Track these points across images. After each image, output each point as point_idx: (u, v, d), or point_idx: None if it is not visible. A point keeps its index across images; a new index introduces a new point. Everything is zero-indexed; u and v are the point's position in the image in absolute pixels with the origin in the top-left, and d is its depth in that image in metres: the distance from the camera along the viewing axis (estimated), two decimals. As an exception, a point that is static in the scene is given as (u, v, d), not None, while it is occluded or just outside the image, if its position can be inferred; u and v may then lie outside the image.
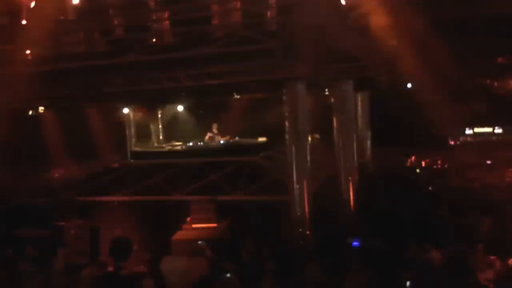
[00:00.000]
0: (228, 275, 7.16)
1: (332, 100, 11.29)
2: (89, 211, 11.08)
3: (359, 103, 14.09)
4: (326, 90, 12.40)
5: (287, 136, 9.62)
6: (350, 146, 10.83)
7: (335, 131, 10.61)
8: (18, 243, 9.66)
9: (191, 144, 14.17)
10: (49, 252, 9.07)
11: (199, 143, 14.17)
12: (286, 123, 9.49)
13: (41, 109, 14.16)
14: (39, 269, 8.13)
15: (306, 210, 9.48)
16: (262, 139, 14.20)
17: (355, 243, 8.15)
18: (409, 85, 15.22)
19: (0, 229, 10.92)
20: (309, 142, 10.17)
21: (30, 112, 17.37)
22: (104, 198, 11.56)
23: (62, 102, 14.03)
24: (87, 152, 18.51)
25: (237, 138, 14.83)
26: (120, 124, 16.09)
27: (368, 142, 15.27)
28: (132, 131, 15.76)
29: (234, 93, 13.00)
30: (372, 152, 15.31)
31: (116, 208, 11.22)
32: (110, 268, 8.15)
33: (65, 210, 10.94)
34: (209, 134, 14.46)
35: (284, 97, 9.43)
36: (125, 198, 11.42)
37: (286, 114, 9.40)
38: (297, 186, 9.52)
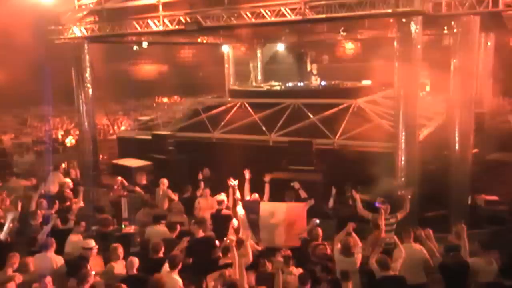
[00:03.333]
0: (317, 221, 7.17)
1: (451, 40, 10.24)
2: (188, 146, 11.62)
3: (482, 46, 12.71)
4: (445, 28, 11.30)
5: (395, 79, 9.03)
6: (467, 93, 9.83)
7: (451, 75, 9.68)
8: (126, 172, 10.54)
9: (290, 84, 13.99)
10: (153, 181, 9.80)
11: (298, 84, 13.94)
12: (396, 65, 8.87)
13: (144, 44, 14.74)
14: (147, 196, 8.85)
15: (411, 160, 9.01)
16: (365, 82, 13.56)
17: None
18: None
19: (106, 158, 11.97)
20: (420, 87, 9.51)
21: (134, 48, 18.30)
22: (202, 135, 11.98)
23: (163, 37, 14.45)
24: (187, 89, 19.33)
25: (338, 80, 14.34)
26: (219, 62, 16.37)
27: (488, 91, 13.91)
28: (231, 69, 15.93)
29: (340, 31, 12.37)
30: (491, 103, 13.99)
31: (213, 146, 11.60)
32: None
33: (164, 144, 11.56)
34: (309, 75, 14.14)
35: (396, 36, 8.77)
36: (222, 136, 11.72)
37: (397, 54, 8.76)
38: (403, 134, 9.01)
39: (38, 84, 14.98)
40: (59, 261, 6.18)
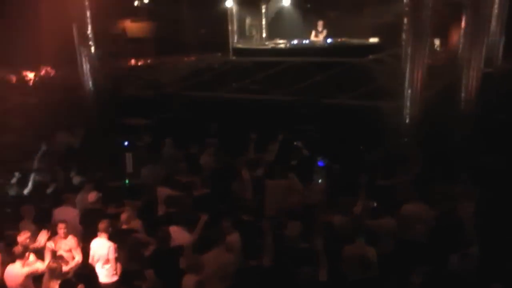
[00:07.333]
0: None
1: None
2: (193, 105, 11.85)
3: (497, 1, 12.56)
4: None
5: (404, 36, 9.16)
6: (477, 51, 9.93)
7: (462, 32, 9.74)
8: (131, 131, 10.82)
9: (295, 42, 14.05)
10: (158, 140, 10.10)
11: (304, 42, 14.01)
12: (405, 21, 8.97)
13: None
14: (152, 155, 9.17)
15: (416, 119, 9.26)
16: (373, 40, 13.59)
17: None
18: None
19: (113, 118, 12.22)
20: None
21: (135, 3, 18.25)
22: (207, 94, 12.18)
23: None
24: (190, 47, 19.31)
25: (345, 38, 14.35)
26: (222, 19, 16.28)
27: (500, 50, 13.89)
28: (234, 27, 15.89)
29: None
30: (503, 62, 13.98)
31: (218, 104, 11.81)
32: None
33: (169, 103, 11.79)
34: (314, 32, 14.17)
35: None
36: (227, 95, 11.93)
37: (406, 9, 8.83)
38: (409, 93, 9.22)
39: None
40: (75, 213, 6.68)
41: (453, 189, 6.82)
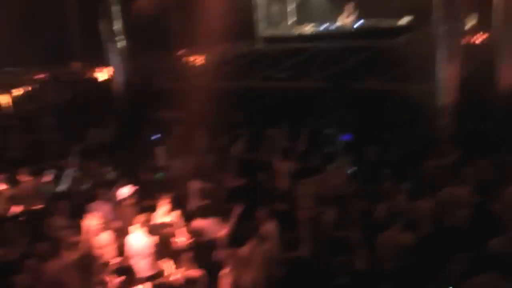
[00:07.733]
0: None
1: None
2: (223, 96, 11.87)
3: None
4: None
5: (436, 14, 8.88)
6: (513, 26, 9.53)
7: (497, 7, 9.36)
8: (162, 124, 10.98)
9: (324, 27, 13.83)
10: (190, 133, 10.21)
11: (333, 26, 13.78)
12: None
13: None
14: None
15: (452, 100, 9.01)
16: (404, 20, 13.22)
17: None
18: None
19: (144, 112, 12.40)
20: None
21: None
22: (237, 83, 12.17)
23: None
24: (219, 37, 19.29)
25: (375, 20, 14.02)
26: (249, 7, 16.15)
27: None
28: (262, 14, 15.74)
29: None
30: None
31: (248, 94, 11.79)
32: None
33: (200, 94, 11.83)
34: (343, 16, 13.89)
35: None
36: (257, 84, 11.90)
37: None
38: (443, 73, 8.96)
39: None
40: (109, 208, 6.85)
41: (494, 171, 6.63)
